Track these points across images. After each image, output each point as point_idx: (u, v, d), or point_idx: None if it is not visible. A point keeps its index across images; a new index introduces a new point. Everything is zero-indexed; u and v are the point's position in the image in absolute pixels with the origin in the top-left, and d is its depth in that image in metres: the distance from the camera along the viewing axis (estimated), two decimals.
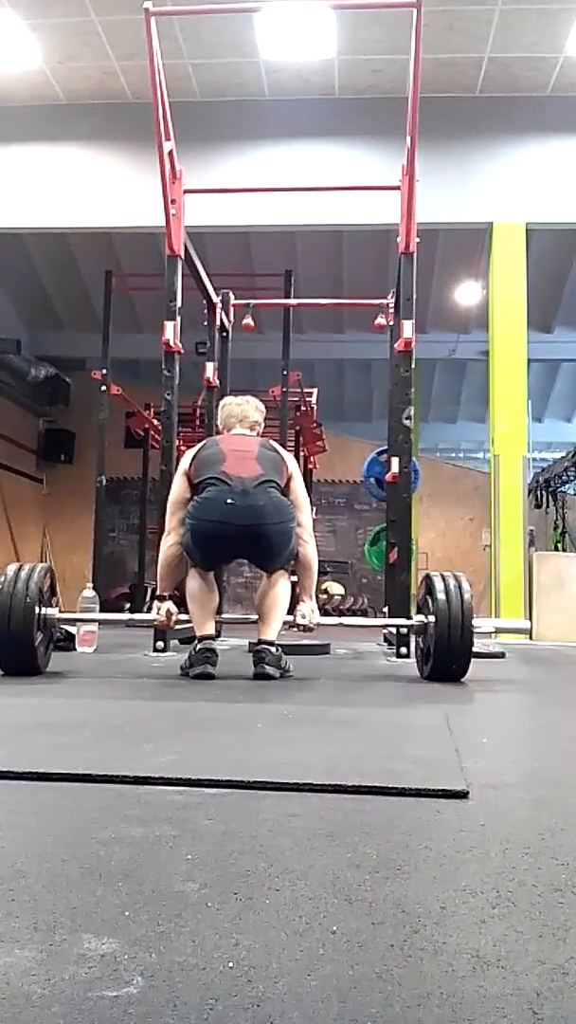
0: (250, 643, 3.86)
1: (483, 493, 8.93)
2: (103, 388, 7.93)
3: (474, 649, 4.63)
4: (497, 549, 7.24)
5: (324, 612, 11.55)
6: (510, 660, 4.68)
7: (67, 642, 4.38)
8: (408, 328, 4.58)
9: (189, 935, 0.84)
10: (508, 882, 1.00)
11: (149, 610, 7.65)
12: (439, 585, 3.29)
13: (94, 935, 0.83)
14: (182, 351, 4.66)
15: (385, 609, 6.05)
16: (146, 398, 9.57)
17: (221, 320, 5.86)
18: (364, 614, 11.85)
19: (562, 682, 4.01)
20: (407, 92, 4.26)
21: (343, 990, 0.73)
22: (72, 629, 4.41)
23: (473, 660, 4.56)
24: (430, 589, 3.34)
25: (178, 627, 3.84)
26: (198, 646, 3.30)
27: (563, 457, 11.66)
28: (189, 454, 3.56)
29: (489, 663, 4.50)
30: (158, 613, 3.54)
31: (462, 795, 1.38)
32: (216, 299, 5.77)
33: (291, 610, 3.54)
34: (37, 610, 3.12)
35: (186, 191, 4.74)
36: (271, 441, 3.66)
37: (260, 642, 3.34)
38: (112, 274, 8.44)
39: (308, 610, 3.49)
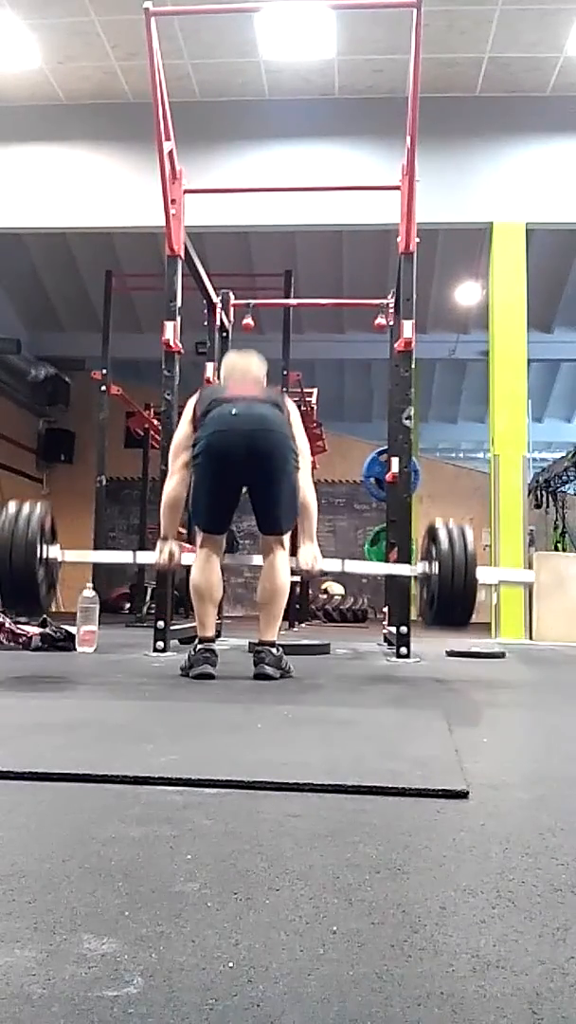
0: (250, 643, 3.86)
1: (483, 493, 8.93)
2: (103, 388, 7.93)
3: (475, 649, 4.65)
4: (497, 549, 7.24)
5: (324, 612, 11.61)
6: (510, 660, 4.68)
7: (67, 642, 4.38)
8: (408, 328, 4.58)
9: (189, 935, 0.84)
10: (508, 882, 1.00)
11: (150, 611, 7.62)
12: (443, 534, 3.31)
13: (94, 935, 0.83)
14: (182, 351, 4.66)
15: (385, 609, 6.06)
16: (146, 398, 9.57)
17: (221, 320, 5.86)
18: (364, 614, 11.84)
19: (562, 682, 4.01)
20: (407, 92, 4.26)
21: (343, 990, 0.73)
22: (72, 629, 4.41)
23: (473, 660, 4.57)
24: (434, 538, 3.35)
25: (177, 627, 3.85)
26: (198, 646, 3.29)
27: (563, 457, 11.66)
28: (192, 401, 3.54)
29: (489, 663, 4.50)
30: (160, 555, 3.52)
31: (462, 795, 1.38)
32: (216, 299, 5.77)
33: (293, 554, 3.53)
34: (39, 548, 3.13)
35: (186, 191, 4.74)
36: (274, 389, 3.62)
37: (260, 642, 3.34)
38: (112, 274, 8.44)
39: (310, 555, 3.47)
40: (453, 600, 3.23)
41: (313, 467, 3.76)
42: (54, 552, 3.34)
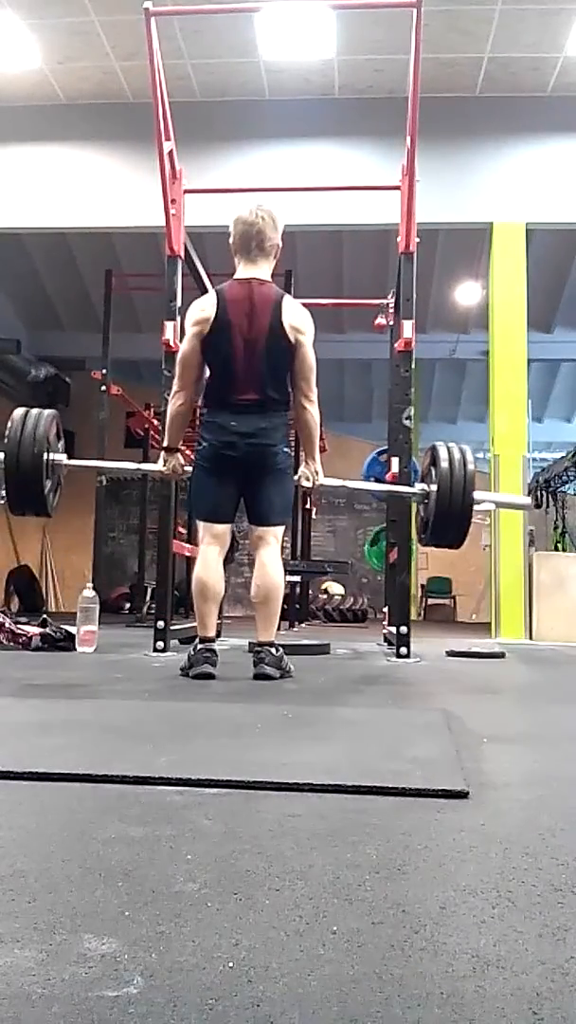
0: (250, 643, 3.86)
1: (483, 487, 8.92)
2: (103, 388, 7.93)
3: (475, 649, 4.64)
4: (497, 549, 7.24)
5: (324, 612, 11.61)
6: (510, 660, 4.68)
7: (67, 642, 4.38)
8: (408, 328, 4.58)
9: (189, 935, 0.84)
10: (508, 882, 1.00)
11: (150, 611, 7.61)
12: (443, 454, 3.35)
13: (94, 935, 0.83)
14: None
15: (385, 609, 6.06)
16: (146, 398, 9.56)
17: None
18: (364, 614, 11.84)
19: (562, 682, 4.01)
20: (407, 92, 4.26)
21: (343, 990, 0.73)
22: (72, 629, 4.41)
23: (473, 660, 4.57)
24: (435, 458, 3.40)
25: (177, 627, 3.85)
26: (198, 646, 3.29)
27: (563, 457, 11.66)
28: (198, 313, 3.45)
29: (489, 663, 4.50)
30: (165, 466, 3.60)
31: (462, 795, 1.38)
32: None
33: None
34: (45, 455, 3.25)
35: (186, 191, 4.74)
36: (286, 301, 3.45)
37: (260, 642, 3.33)
38: (112, 274, 8.44)
39: (311, 471, 3.50)
40: (449, 519, 3.28)
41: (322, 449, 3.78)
42: (58, 457, 3.44)
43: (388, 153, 6.82)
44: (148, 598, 9.35)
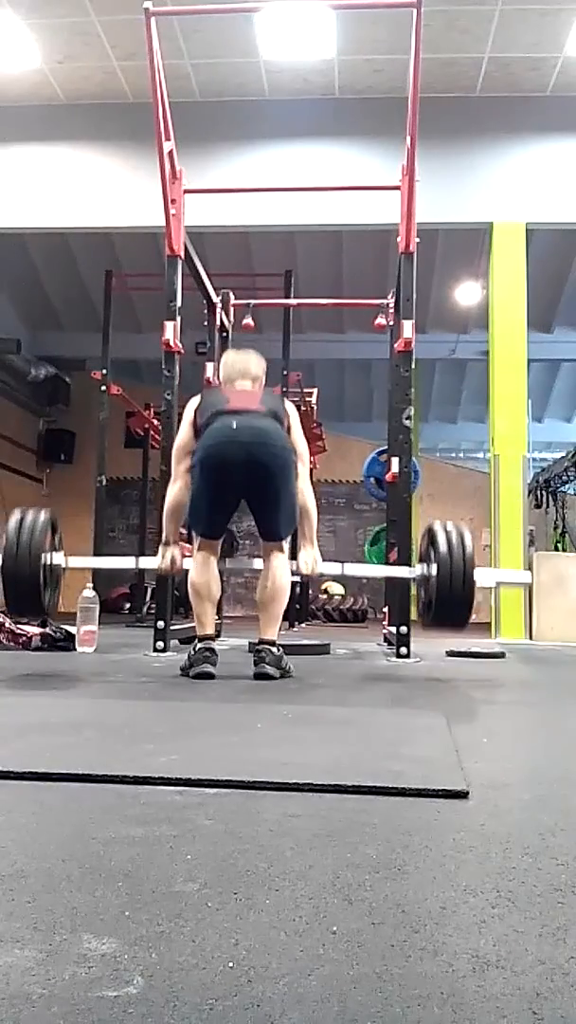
0: (250, 643, 3.86)
1: (483, 493, 8.93)
2: (103, 388, 7.93)
3: (475, 649, 4.64)
4: (497, 549, 7.24)
5: (324, 612, 11.61)
6: (510, 660, 4.68)
7: (67, 642, 4.38)
8: (408, 328, 4.58)
9: (189, 935, 0.84)
10: (508, 882, 1.00)
11: (150, 611, 7.62)
12: (441, 536, 3.31)
13: (94, 935, 0.83)
14: (182, 351, 4.66)
15: (385, 609, 6.06)
16: (146, 398, 9.57)
17: (221, 320, 5.86)
18: (364, 614, 11.84)
19: (562, 682, 4.01)
20: (407, 92, 4.26)
21: (343, 990, 0.73)
22: (72, 629, 4.41)
23: (473, 660, 4.57)
24: (432, 540, 3.36)
25: (177, 627, 3.85)
26: (198, 646, 3.30)
27: (563, 457, 11.66)
28: (193, 402, 3.55)
29: (489, 663, 4.50)
30: (163, 560, 3.55)
31: (462, 795, 1.38)
32: (216, 299, 5.77)
33: (293, 558, 3.54)
34: (43, 558, 3.23)
35: (186, 191, 4.74)
36: (273, 392, 3.64)
37: (260, 642, 3.34)
38: (112, 274, 8.44)
39: (310, 558, 3.49)
40: (451, 602, 3.24)
41: (313, 467, 3.78)
42: (58, 559, 3.39)
43: (388, 153, 6.82)
44: (148, 598, 9.36)
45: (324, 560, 3.59)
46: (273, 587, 3.42)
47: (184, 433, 3.52)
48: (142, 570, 10.16)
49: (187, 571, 3.55)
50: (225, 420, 3.35)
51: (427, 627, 3.45)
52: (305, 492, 3.48)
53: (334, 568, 3.88)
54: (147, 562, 3.97)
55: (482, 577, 3.39)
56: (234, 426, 3.33)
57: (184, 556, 3.60)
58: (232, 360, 3.71)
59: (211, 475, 3.34)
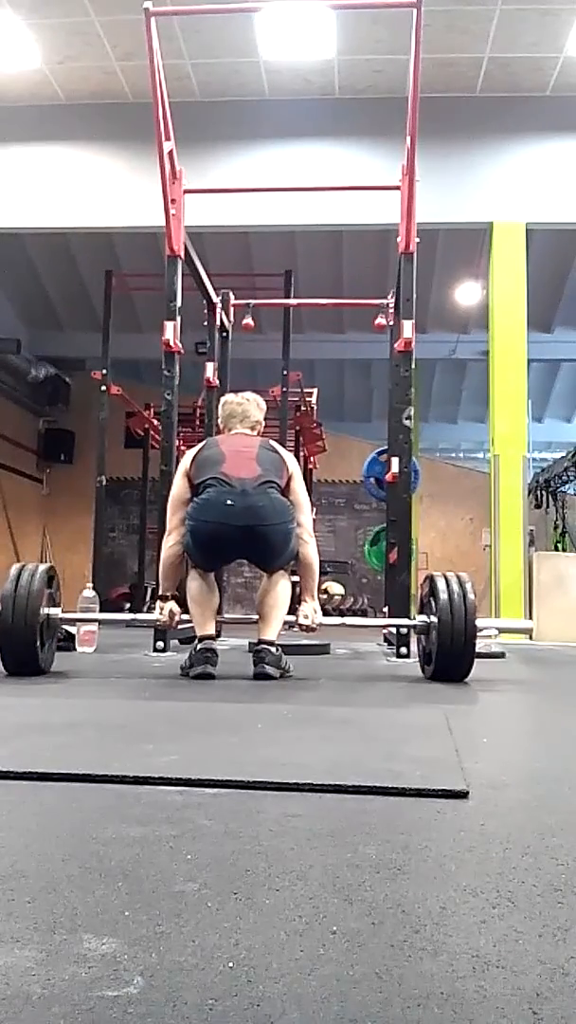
0: (250, 643, 3.86)
1: (483, 493, 8.93)
2: (103, 388, 7.93)
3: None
4: (497, 549, 7.24)
5: (325, 612, 11.62)
6: (510, 660, 4.68)
7: (67, 642, 4.37)
8: (408, 328, 4.58)
9: (189, 935, 0.84)
10: (508, 882, 1.00)
11: (150, 610, 7.65)
12: (442, 586, 3.28)
13: (94, 935, 0.83)
14: (182, 351, 4.66)
15: (385, 609, 6.06)
16: (146, 398, 9.58)
17: (221, 320, 5.86)
18: (364, 614, 11.85)
19: (562, 682, 4.01)
20: (407, 92, 4.26)
21: (343, 990, 0.73)
22: (72, 629, 4.41)
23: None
24: (433, 590, 3.34)
25: (178, 627, 3.84)
26: (198, 646, 3.30)
27: (563, 457, 11.66)
28: (189, 454, 3.56)
29: (489, 663, 4.49)
30: (161, 613, 3.54)
31: (462, 795, 1.38)
32: (216, 299, 5.77)
33: (292, 611, 3.53)
34: (40, 612, 3.13)
35: (186, 191, 4.74)
36: (271, 441, 3.65)
37: (260, 642, 3.34)
38: (112, 274, 8.45)
39: (310, 610, 3.49)
40: (453, 655, 3.21)
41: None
42: (54, 613, 3.32)
43: (388, 153, 6.83)
44: (148, 598, 9.36)
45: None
46: (274, 588, 3.43)
47: (178, 485, 3.52)
48: (142, 570, 10.17)
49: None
50: (221, 492, 3.30)
51: (428, 679, 3.40)
52: (308, 543, 3.48)
53: (334, 622, 3.93)
54: (144, 617, 4.02)
55: (483, 627, 3.37)
56: (229, 502, 3.28)
57: (181, 614, 3.61)
58: (232, 404, 3.71)
59: (207, 546, 3.38)
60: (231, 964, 0.77)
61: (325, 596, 12.06)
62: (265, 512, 3.30)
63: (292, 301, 7.90)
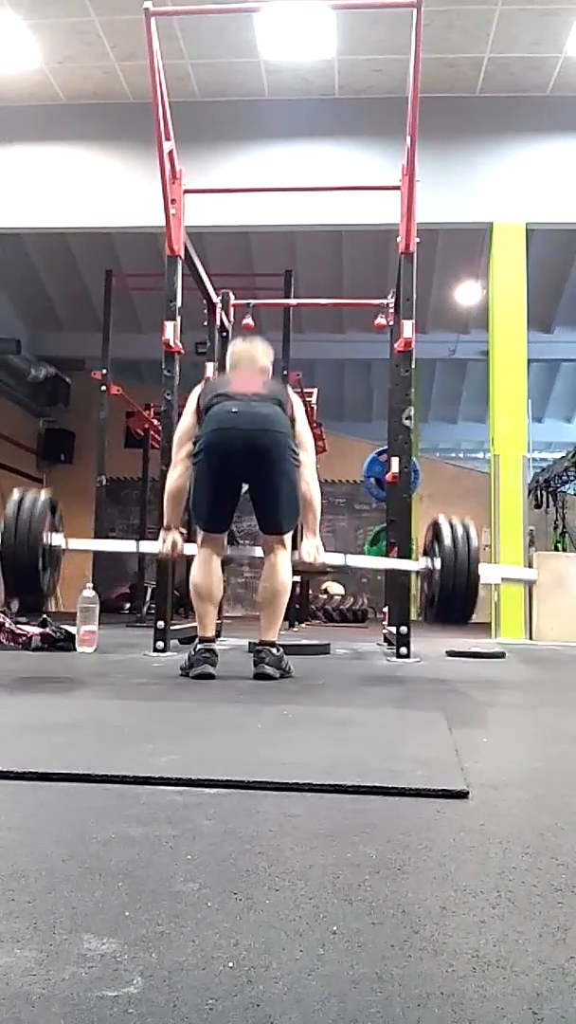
0: (250, 643, 3.86)
1: (483, 493, 8.92)
2: (103, 388, 7.93)
3: (475, 649, 4.63)
4: (497, 549, 7.23)
5: (324, 612, 11.61)
6: (510, 660, 4.68)
7: (67, 642, 4.38)
8: (408, 328, 4.58)
9: (189, 935, 0.84)
10: (508, 882, 1.00)
11: (150, 611, 7.60)
12: (447, 530, 3.28)
13: (94, 935, 0.83)
14: (182, 351, 4.66)
15: (385, 609, 6.06)
16: (146, 398, 9.57)
17: (221, 320, 5.86)
18: (364, 614, 11.84)
19: (562, 682, 4.01)
20: (407, 92, 4.26)
21: (343, 990, 0.73)
22: (72, 629, 4.41)
23: (473, 660, 4.57)
24: (437, 534, 3.33)
25: (177, 627, 3.85)
26: (198, 646, 3.29)
27: (563, 457, 11.66)
28: (197, 389, 3.56)
29: (489, 663, 4.50)
30: (164, 544, 3.54)
31: (462, 795, 1.38)
32: (216, 299, 5.77)
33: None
34: (43, 537, 3.17)
35: (186, 191, 4.74)
36: (278, 382, 3.63)
37: (260, 642, 3.34)
38: (112, 274, 8.44)
39: (312, 547, 3.46)
40: (455, 599, 3.21)
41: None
42: (57, 540, 3.37)
43: (388, 153, 6.82)
44: (148, 598, 9.35)
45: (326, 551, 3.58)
46: (273, 586, 3.40)
47: (187, 419, 3.53)
48: (142, 570, 10.17)
49: (189, 560, 3.55)
50: (225, 404, 3.34)
51: (429, 623, 3.42)
52: (309, 482, 3.46)
53: (337, 558, 3.85)
54: (148, 546, 3.96)
55: (486, 573, 3.37)
56: (233, 410, 3.31)
57: (183, 544, 3.60)
58: (239, 348, 3.70)
59: (212, 462, 3.35)
60: (231, 964, 0.77)
61: (325, 596, 12.05)
62: (268, 419, 3.32)
63: (292, 301, 7.90)
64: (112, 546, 4.29)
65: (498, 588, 7.20)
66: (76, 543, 3.63)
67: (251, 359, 3.61)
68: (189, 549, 3.58)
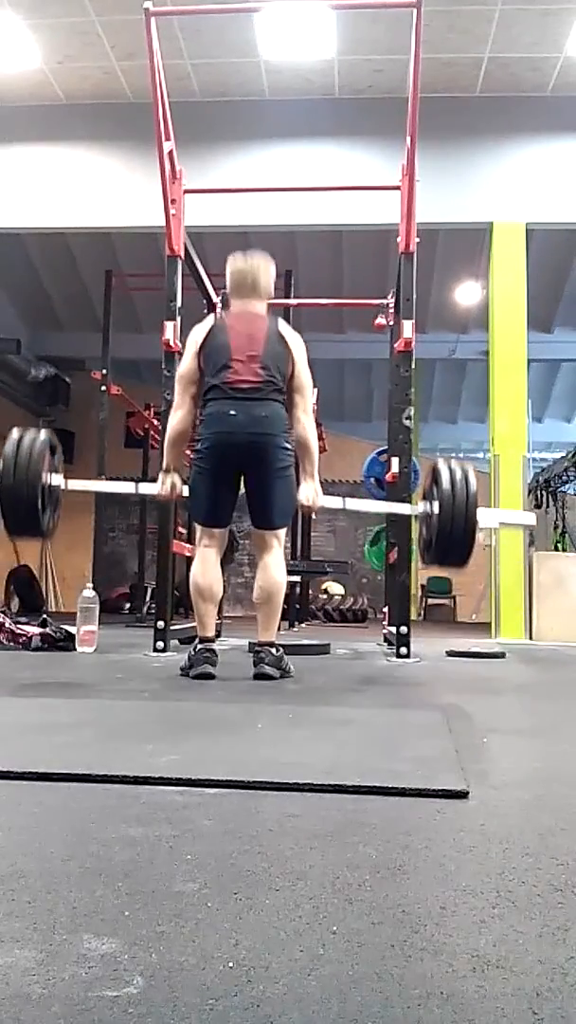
0: (250, 643, 3.86)
1: (483, 493, 8.93)
2: (103, 388, 7.92)
3: (475, 649, 4.64)
4: (497, 549, 7.23)
5: (324, 612, 11.61)
6: (510, 660, 4.68)
7: (67, 642, 4.38)
8: (408, 328, 4.58)
9: (189, 935, 0.84)
10: (508, 882, 1.00)
11: (150, 611, 7.60)
12: (445, 474, 3.29)
13: (94, 935, 0.83)
14: (182, 351, 4.65)
15: (385, 609, 6.06)
16: (146, 398, 9.56)
17: None
18: (364, 614, 11.84)
19: (562, 682, 4.01)
20: (407, 92, 4.26)
21: (343, 990, 0.73)
22: (72, 629, 4.41)
23: (473, 660, 4.57)
24: (436, 478, 3.35)
25: (177, 627, 3.85)
26: (198, 646, 3.29)
27: (563, 457, 11.66)
28: (199, 333, 3.52)
29: (489, 663, 4.50)
30: (163, 485, 3.55)
31: (462, 795, 1.38)
32: (216, 299, 5.77)
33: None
34: (43, 476, 3.18)
35: (186, 191, 4.74)
36: (281, 323, 3.55)
37: (260, 642, 3.34)
38: (112, 274, 8.44)
39: (311, 491, 3.45)
40: (452, 540, 3.23)
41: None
42: (57, 480, 3.35)
43: (388, 153, 6.82)
44: (148, 598, 9.35)
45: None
46: (268, 585, 3.39)
47: (187, 363, 3.51)
48: (142, 570, 10.16)
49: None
50: (224, 405, 3.34)
51: (427, 564, 3.44)
52: (307, 425, 3.46)
53: (335, 501, 3.82)
54: (147, 488, 3.95)
55: (484, 517, 3.38)
56: (232, 412, 3.32)
57: (183, 486, 3.59)
58: (239, 267, 3.56)
59: (211, 460, 3.38)
60: (231, 964, 0.77)
61: (325, 596, 12.05)
62: (265, 421, 3.33)
63: (292, 301, 7.90)
64: (112, 487, 4.27)
65: (498, 590, 7.20)
66: (75, 484, 3.60)
67: (253, 284, 3.53)
68: (187, 491, 3.58)
